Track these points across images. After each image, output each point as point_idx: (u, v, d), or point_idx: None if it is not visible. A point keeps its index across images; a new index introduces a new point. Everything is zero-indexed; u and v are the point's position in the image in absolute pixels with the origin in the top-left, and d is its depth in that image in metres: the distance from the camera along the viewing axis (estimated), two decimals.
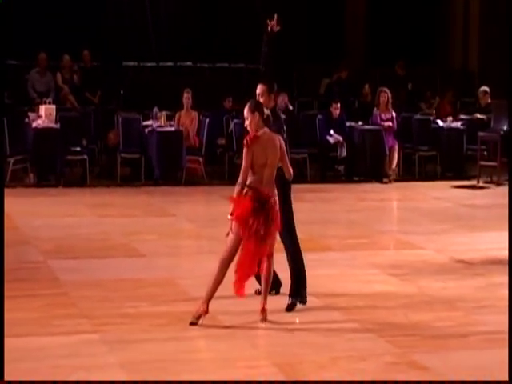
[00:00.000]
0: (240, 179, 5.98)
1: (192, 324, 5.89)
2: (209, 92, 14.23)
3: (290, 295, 6.42)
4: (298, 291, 6.44)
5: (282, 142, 6.11)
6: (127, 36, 16.08)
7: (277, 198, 6.05)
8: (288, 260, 6.50)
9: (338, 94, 14.28)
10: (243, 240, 5.95)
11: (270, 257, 6.11)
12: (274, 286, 6.53)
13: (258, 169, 6.00)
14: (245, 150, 6.00)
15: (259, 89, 6.37)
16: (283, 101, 13.29)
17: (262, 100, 6.28)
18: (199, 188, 12.24)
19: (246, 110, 6.08)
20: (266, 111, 6.13)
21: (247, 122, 6.06)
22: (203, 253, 8.38)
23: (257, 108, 6.07)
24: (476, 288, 7.16)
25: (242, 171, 5.99)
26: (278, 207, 6.05)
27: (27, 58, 14.18)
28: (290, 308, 6.35)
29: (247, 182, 6.02)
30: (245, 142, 6.02)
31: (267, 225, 5.95)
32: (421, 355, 5.42)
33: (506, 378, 4.85)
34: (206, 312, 5.92)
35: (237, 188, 5.98)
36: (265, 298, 6.07)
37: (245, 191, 6.00)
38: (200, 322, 5.91)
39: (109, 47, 15.58)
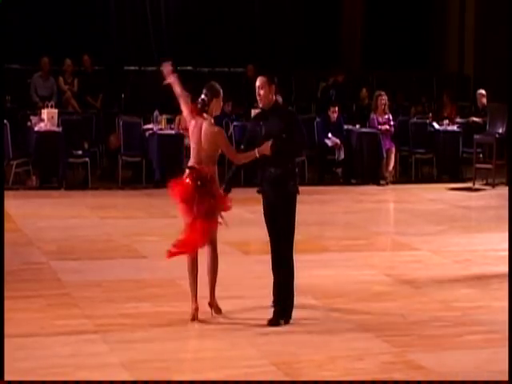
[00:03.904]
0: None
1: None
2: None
3: (274, 312, 6.08)
4: (285, 310, 6.10)
5: (216, 133, 6.13)
6: (128, 41, 16.17)
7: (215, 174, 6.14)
8: (278, 273, 6.14)
9: (334, 98, 14.37)
10: (190, 220, 6.06)
11: (212, 244, 6.20)
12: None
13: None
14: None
15: (259, 81, 6.17)
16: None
17: (262, 92, 6.12)
18: None
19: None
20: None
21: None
22: (204, 254, 8.46)
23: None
24: (471, 288, 7.23)
25: None
26: (217, 184, 6.13)
27: (30, 63, 14.24)
28: (272, 324, 6.03)
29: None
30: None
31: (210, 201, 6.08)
32: (417, 354, 5.50)
33: (502, 377, 4.92)
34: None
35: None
36: (212, 291, 6.16)
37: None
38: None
39: (110, 52, 15.69)
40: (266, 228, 6.24)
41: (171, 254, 6.17)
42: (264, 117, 6.22)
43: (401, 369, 5.26)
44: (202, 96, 6.21)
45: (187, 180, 6.13)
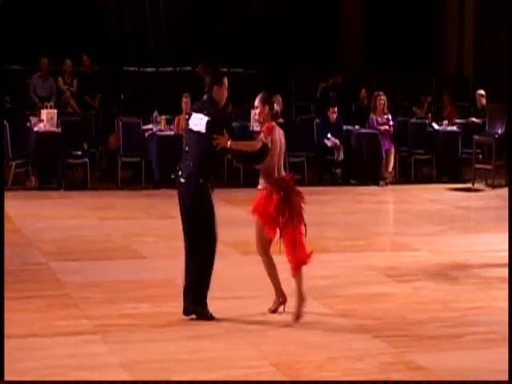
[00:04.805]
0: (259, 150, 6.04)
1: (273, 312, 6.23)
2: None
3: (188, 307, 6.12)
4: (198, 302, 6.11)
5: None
6: (128, 42, 16.18)
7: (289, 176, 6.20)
8: (189, 268, 6.11)
9: (334, 98, 14.39)
10: (281, 231, 6.08)
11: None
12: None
13: (275, 158, 6.11)
14: (268, 138, 6.07)
15: (257, 100, 6.35)
16: (279, 102, 13.38)
17: (257, 111, 6.26)
18: None
19: (257, 100, 6.17)
20: (277, 107, 6.24)
21: (256, 111, 6.18)
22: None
23: (268, 101, 6.16)
24: (471, 289, 7.24)
25: (266, 152, 6.05)
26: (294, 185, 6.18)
27: (29, 63, 14.26)
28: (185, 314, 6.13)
29: (265, 180, 6.11)
30: (265, 129, 6.09)
31: (294, 205, 6.11)
32: (416, 355, 5.50)
33: (502, 377, 4.92)
34: (285, 300, 6.25)
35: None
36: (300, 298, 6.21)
37: (264, 187, 6.11)
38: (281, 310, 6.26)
39: (110, 52, 15.70)
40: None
41: (297, 271, 6.20)
42: None
43: (400, 369, 5.27)
44: (276, 107, 6.21)
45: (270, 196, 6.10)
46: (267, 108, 6.12)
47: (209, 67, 14.10)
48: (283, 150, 6.21)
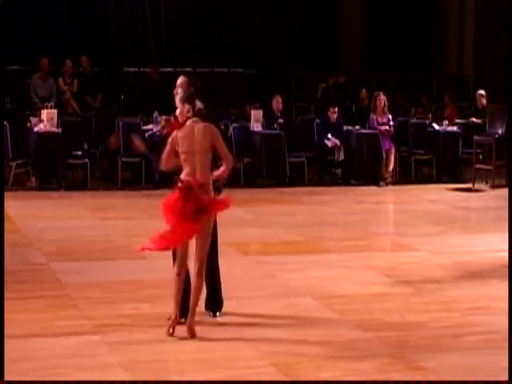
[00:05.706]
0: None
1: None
2: (208, 96, 14.29)
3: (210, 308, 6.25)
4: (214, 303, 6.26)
5: (216, 131, 5.91)
6: (128, 42, 16.19)
7: (211, 186, 5.88)
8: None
9: (334, 99, 14.40)
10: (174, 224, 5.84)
11: (202, 262, 5.93)
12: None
13: (188, 157, 5.79)
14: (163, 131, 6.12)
15: (180, 79, 6.44)
16: (278, 102, 13.39)
17: (179, 91, 6.16)
18: None
19: (177, 100, 5.96)
20: (199, 104, 6.02)
21: (177, 111, 5.91)
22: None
23: (188, 99, 5.91)
24: (471, 289, 7.24)
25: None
26: (213, 195, 5.87)
27: (29, 63, 14.27)
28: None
29: (181, 176, 5.89)
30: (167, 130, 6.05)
31: (198, 210, 5.79)
32: (417, 355, 5.50)
33: (501, 377, 4.92)
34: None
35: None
36: (193, 312, 5.86)
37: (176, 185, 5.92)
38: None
39: (110, 53, 15.71)
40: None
41: (143, 248, 6.01)
42: None
43: (400, 369, 5.27)
44: (198, 105, 6.02)
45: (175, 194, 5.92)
46: (187, 107, 5.87)
47: (159, 68, 14.16)
48: (198, 148, 5.82)
